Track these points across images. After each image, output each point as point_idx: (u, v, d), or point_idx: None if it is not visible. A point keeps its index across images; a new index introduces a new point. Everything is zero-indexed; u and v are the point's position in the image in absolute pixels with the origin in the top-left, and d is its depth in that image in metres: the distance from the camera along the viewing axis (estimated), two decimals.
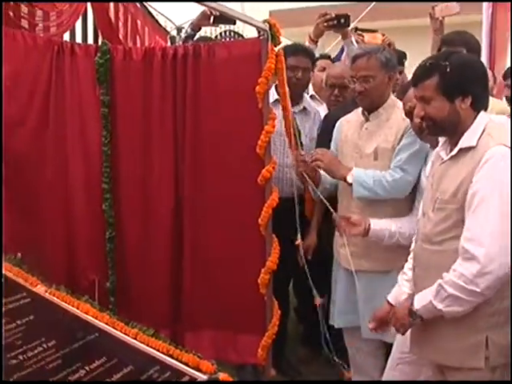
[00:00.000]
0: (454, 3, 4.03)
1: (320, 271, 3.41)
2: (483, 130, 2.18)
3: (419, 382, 2.58)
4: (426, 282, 2.26)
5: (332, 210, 3.10)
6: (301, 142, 3.47)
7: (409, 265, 2.61)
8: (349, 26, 3.92)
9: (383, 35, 4.50)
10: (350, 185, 3.03)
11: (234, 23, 4.19)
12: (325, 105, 4.12)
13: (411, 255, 2.61)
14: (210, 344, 3.36)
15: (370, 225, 2.96)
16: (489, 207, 2.05)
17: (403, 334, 2.38)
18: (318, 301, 3.20)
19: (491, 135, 2.17)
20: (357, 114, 3.26)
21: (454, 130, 2.23)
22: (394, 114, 3.08)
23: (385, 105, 3.10)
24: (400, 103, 3.16)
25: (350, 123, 3.27)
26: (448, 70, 2.16)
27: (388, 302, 2.65)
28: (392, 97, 3.17)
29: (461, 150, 2.21)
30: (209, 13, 3.45)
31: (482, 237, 2.05)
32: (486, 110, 2.28)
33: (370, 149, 3.06)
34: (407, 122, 2.98)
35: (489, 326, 2.15)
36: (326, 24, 3.94)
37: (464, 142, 2.20)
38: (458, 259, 2.11)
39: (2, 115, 3.12)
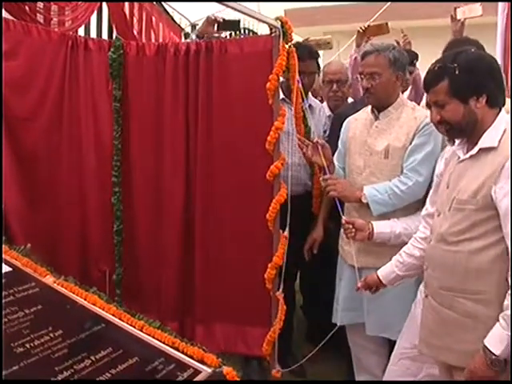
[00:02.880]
0: (477, 5, 4.02)
1: (325, 265, 3.45)
2: (504, 130, 2.14)
3: (419, 383, 2.56)
4: (438, 283, 2.25)
5: (340, 208, 3.11)
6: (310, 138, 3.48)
7: (407, 250, 2.62)
8: (331, 48, 3.98)
9: (404, 34, 4.50)
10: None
11: (239, 29, 4.23)
12: (325, 103, 4.12)
13: (412, 241, 2.61)
14: (220, 337, 3.41)
15: (373, 229, 2.95)
16: None
17: None
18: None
19: None
20: (365, 112, 3.26)
21: (472, 130, 2.18)
22: (405, 113, 3.08)
23: (394, 104, 3.09)
24: (410, 103, 3.17)
25: (358, 121, 3.27)
26: (457, 72, 2.12)
27: (377, 276, 2.70)
28: (401, 96, 3.16)
29: (481, 149, 2.15)
30: (213, 19, 3.47)
31: None
32: (503, 105, 2.21)
33: (380, 146, 3.06)
34: (418, 122, 2.99)
35: (489, 330, 2.09)
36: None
37: (484, 142, 2.15)
38: None
39: (2, 113, 3.15)
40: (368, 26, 4.12)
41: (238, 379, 2.06)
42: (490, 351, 2.02)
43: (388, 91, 3.07)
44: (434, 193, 2.52)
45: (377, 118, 3.13)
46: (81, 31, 4.44)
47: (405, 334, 2.76)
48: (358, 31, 4.12)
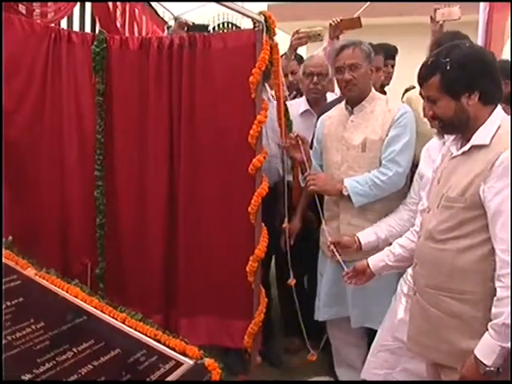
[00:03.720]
0: (456, 8, 4.05)
1: (302, 255, 3.50)
2: (498, 127, 2.09)
3: (419, 383, 2.51)
4: (425, 280, 2.24)
5: (318, 202, 3.15)
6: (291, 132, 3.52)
7: (400, 241, 2.64)
8: (321, 40, 3.99)
9: None
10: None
11: (208, 32, 4.27)
12: (303, 97, 4.14)
13: (408, 233, 2.63)
14: (205, 329, 3.42)
15: (360, 242, 2.97)
16: None
17: None
18: (292, 281, 3.33)
19: (507, 133, 2.06)
20: (338, 109, 3.31)
21: (465, 127, 2.14)
22: (378, 106, 3.14)
23: (368, 98, 3.15)
24: (382, 96, 3.24)
25: (332, 118, 3.31)
26: (448, 67, 2.07)
27: (367, 263, 2.73)
28: (373, 90, 3.22)
29: (473, 146, 2.11)
30: (184, 22, 3.50)
31: None
32: (499, 102, 2.16)
33: (357, 140, 3.10)
34: (393, 114, 3.06)
35: (474, 331, 2.06)
36: (298, 42, 4.01)
37: (477, 139, 2.10)
38: (500, 278, 1.98)
39: (3, 112, 3.14)
40: (341, 19, 4.14)
41: (219, 371, 2.08)
42: (482, 362, 1.98)
43: (365, 83, 3.12)
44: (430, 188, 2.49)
45: (351, 113, 3.17)
46: (63, 24, 4.41)
47: (385, 327, 2.79)
48: (330, 24, 4.15)
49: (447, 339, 2.15)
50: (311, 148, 3.41)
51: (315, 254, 3.46)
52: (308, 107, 4.04)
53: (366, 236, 2.99)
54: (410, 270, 2.63)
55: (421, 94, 2.31)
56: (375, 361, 2.80)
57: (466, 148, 2.14)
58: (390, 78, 4.18)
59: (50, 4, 4.01)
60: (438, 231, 2.18)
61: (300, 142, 3.17)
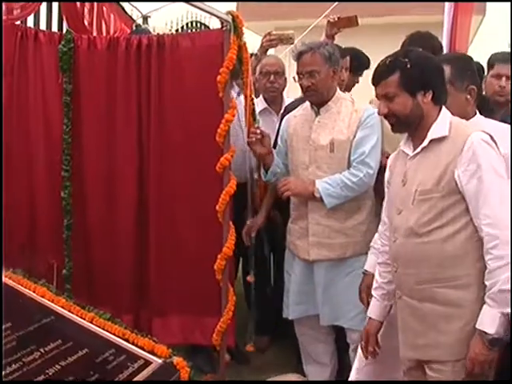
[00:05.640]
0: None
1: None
2: (451, 122, 2.24)
3: (419, 383, 2.42)
4: (414, 278, 2.25)
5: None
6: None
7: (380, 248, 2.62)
8: (292, 44, 4.02)
9: None
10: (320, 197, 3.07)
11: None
12: (261, 96, 4.16)
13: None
14: (178, 329, 3.43)
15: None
16: (495, 191, 2.09)
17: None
18: (250, 278, 3.42)
19: (464, 124, 2.26)
20: (304, 108, 3.32)
21: (418, 124, 2.26)
22: (344, 107, 3.16)
23: (333, 98, 3.18)
24: (348, 96, 3.25)
25: (297, 118, 3.32)
26: (408, 65, 2.21)
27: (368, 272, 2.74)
28: (338, 90, 3.24)
29: (432, 140, 2.23)
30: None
31: (505, 220, 2.06)
32: (445, 103, 2.31)
33: (325, 141, 3.12)
34: (360, 115, 3.09)
35: (474, 314, 2.11)
36: (269, 43, 4.04)
37: (434, 133, 2.23)
38: (489, 251, 2.08)
39: (3, 115, 3.10)
40: (339, 17, 4.16)
41: (188, 369, 2.09)
42: (486, 332, 2.05)
43: (327, 87, 3.14)
44: (387, 204, 2.51)
45: (317, 114, 3.19)
46: (30, 22, 4.36)
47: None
48: (329, 21, 4.15)
49: (448, 331, 2.18)
50: (274, 147, 3.44)
51: (280, 252, 3.47)
52: (266, 105, 4.08)
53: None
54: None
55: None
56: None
57: (424, 144, 2.26)
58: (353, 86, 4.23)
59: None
60: (419, 225, 2.23)
61: (261, 136, 3.22)
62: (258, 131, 3.24)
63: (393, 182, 2.44)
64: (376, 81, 2.31)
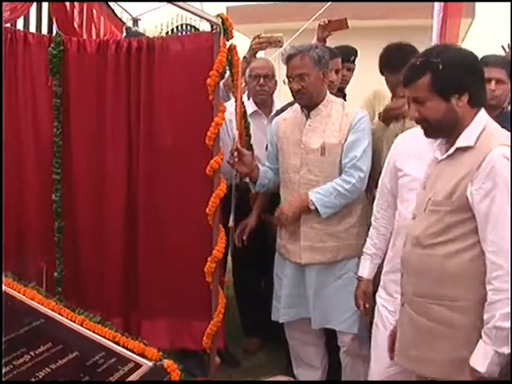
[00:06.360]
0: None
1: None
2: (483, 129, 2.06)
3: (419, 383, 2.39)
4: (412, 288, 2.19)
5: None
6: (249, 134, 3.59)
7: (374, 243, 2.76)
8: (281, 47, 4.04)
9: None
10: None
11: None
12: (250, 99, 4.16)
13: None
14: (166, 332, 3.43)
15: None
16: (506, 216, 1.92)
17: None
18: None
19: (492, 134, 2.05)
20: (294, 111, 3.31)
21: (452, 130, 2.09)
22: (335, 111, 3.16)
23: (323, 101, 3.17)
24: (338, 99, 3.26)
25: (287, 121, 3.31)
26: (440, 67, 2.02)
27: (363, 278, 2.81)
28: (328, 93, 3.24)
29: (458, 149, 2.07)
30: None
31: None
32: (484, 106, 2.14)
33: (316, 144, 3.12)
34: (351, 118, 3.10)
35: (469, 341, 2.00)
36: (258, 46, 4.06)
37: (461, 142, 2.06)
38: (491, 281, 1.94)
39: (2, 116, 3.09)
40: (329, 20, 4.17)
41: (178, 372, 2.10)
42: (475, 370, 1.94)
43: (317, 90, 3.14)
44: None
45: (308, 117, 3.19)
46: (20, 25, 4.35)
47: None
48: (320, 25, 4.16)
49: (439, 349, 2.09)
50: (266, 150, 3.45)
51: (270, 254, 3.48)
52: (256, 108, 4.07)
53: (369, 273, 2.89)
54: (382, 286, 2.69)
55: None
56: None
57: (450, 151, 2.11)
58: (347, 82, 4.22)
59: (5, 3, 3.95)
60: (425, 236, 2.12)
61: (238, 155, 3.21)
62: (236, 153, 3.21)
63: (421, 182, 2.31)
64: (405, 83, 2.14)
